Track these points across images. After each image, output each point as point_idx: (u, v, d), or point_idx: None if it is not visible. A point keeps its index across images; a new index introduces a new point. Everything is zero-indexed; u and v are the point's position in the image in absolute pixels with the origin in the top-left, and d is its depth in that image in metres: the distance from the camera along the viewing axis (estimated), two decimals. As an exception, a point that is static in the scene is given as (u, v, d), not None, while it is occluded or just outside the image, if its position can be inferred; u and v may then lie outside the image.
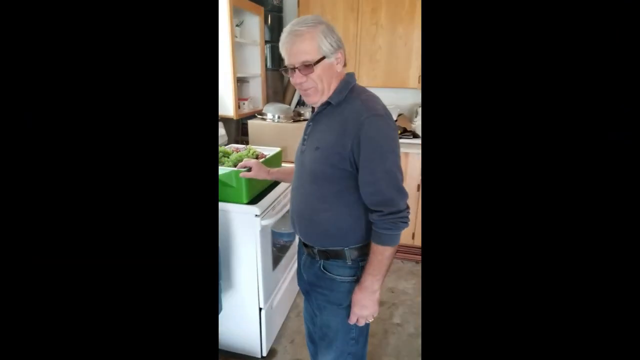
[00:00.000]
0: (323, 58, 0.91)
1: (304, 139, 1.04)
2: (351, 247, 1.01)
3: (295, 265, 1.80)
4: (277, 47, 0.97)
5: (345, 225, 1.00)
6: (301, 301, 1.63)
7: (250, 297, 1.50)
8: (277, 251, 1.71)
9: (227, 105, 2.00)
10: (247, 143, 2.23)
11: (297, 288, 1.63)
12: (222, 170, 1.38)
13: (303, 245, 1.10)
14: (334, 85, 0.96)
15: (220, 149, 1.58)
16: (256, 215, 1.39)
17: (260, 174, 1.33)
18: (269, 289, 1.57)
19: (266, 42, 2.40)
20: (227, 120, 2.13)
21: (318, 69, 0.91)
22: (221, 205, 1.41)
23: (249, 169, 1.32)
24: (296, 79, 0.94)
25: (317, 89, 0.95)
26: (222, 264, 1.49)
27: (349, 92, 0.97)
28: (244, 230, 1.43)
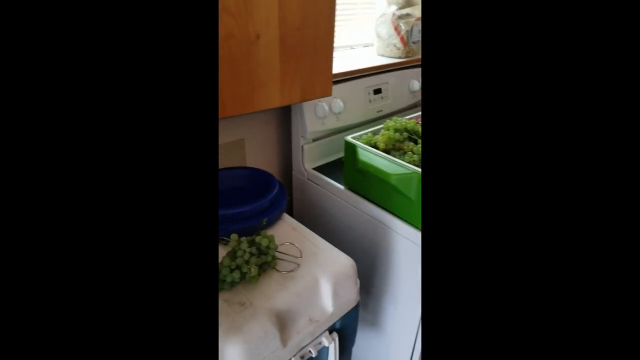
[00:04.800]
0: None
1: None
2: None
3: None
4: None
5: None
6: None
7: (404, 338, 1.03)
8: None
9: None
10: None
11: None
12: (398, 167, 0.81)
13: None
14: None
15: (399, 122, 0.96)
16: (438, 254, 0.82)
17: None
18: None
19: None
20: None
21: None
22: (385, 215, 0.88)
23: None
24: None
25: None
26: (370, 294, 1.03)
27: None
28: (409, 263, 0.89)
